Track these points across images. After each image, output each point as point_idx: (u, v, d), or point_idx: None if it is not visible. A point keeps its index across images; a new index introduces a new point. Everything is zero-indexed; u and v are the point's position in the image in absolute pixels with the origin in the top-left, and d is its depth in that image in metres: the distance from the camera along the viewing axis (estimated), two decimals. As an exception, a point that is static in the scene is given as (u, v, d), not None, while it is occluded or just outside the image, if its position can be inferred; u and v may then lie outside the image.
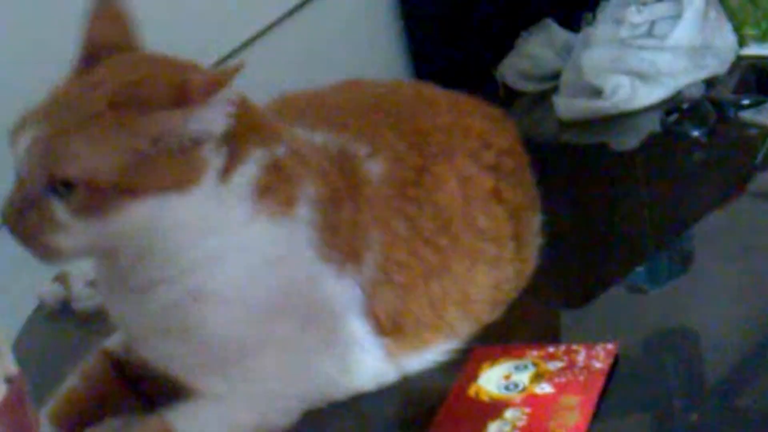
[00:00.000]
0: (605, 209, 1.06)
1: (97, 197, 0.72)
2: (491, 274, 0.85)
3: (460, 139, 0.86)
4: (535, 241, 0.91)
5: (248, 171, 0.75)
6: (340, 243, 0.79)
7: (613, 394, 0.78)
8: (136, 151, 0.71)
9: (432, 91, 0.93)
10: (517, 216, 0.88)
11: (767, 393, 0.75)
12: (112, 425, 0.79)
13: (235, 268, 0.75)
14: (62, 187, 0.72)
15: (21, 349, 0.95)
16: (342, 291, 0.79)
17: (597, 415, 0.75)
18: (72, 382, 0.82)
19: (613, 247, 0.98)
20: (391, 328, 0.80)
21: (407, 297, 0.81)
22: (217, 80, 0.71)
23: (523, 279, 0.89)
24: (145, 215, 0.72)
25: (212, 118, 0.72)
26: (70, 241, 0.73)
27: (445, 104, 0.89)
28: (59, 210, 0.72)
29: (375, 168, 0.81)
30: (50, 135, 0.72)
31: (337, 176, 0.79)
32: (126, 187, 0.72)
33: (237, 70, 0.71)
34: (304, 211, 0.78)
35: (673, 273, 0.94)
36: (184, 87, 0.71)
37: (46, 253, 0.74)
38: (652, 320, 0.87)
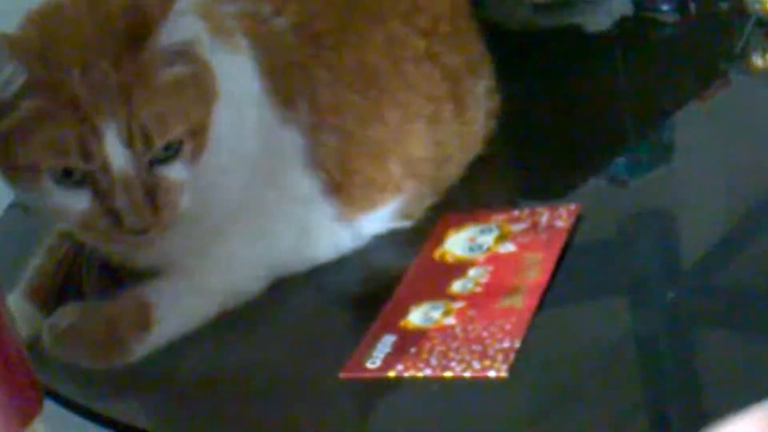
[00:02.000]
0: (581, 92, 1.06)
1: (198, 139, 0.73)
2: (430, 130, 0.87)
3: (390, 3, 0.88)
4: (479, 105, 0.92)
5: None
6: (275, 85, 0.80)
7: (582, 257, 0.79)
8: (177, 79, 0.71)
9: None
10: (455, 78, 0.89)
11: (743, 272, 0.76)
12: (85, 302, 0.80)
13: (224, 120, 0.76)
14: (166, 151, 0.72)
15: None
16: (289, 140, 0.81)
17: (560, 271, 0.77)
18: (39, 259, 0.83)
19: (591, 134, 0.98)
20: (338, 180, 0.82)
21: (347, 143, 0.82)
22: None
23: (471, 141, 0.91)
24: (216, 130, 0.74)
25: (179, 29, 0.72)
26: (188, 198, 0.74)
27: None
28: (176, 172, 0.72)
29: (281, 22, 0.83)
30: (127, 118, 0.69)
31: (246, 26, 0.81)
32: (204, 115, 0.73)
33: None
34: (243, 43, 0.79)
35: (654, 162, 0.94)
36: (138, 11, 0.71)
37: (176, 220, 0.73)
38: (631, 205, 0.88)
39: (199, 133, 0.73)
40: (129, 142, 0.70)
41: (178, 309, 0.78)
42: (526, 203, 0.87)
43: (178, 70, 0.73)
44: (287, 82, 0.81)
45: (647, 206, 0.88)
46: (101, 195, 0.71)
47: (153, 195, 0.72)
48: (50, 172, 0.71)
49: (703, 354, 0.71)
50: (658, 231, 0.86)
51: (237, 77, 0.78)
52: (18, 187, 0.74)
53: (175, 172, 0.73)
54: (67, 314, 0.78)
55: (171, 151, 0.72)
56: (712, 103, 0.98)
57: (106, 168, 0.70)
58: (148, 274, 0.80)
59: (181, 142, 0.73)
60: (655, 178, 0.91)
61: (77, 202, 0.72)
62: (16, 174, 0.73)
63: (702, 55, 1.06)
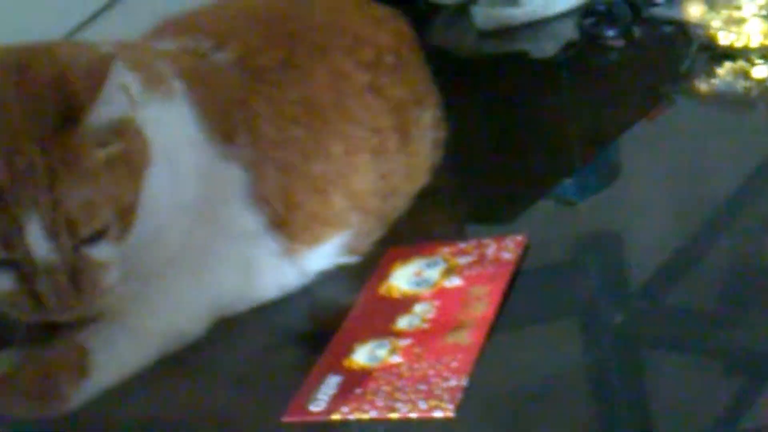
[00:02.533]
0: (529, 117, 1.06)
1: (127, 217, 0.71)
2: (375, 163, 0.86)
3: (334, 37, 0.88)
4: (425, 136, 0.92)
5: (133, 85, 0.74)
6: (214, 122, 0.79)
7: (529, 288, 0.78)
8: (108, 159, 0.70)
9: None
10: (401, 110, 0.89)
11: (692, 293, 0.76)
12: (20, 349, 0.77)
13: (158, 176, 0.74)
14: (95, 233, 0.70)
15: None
16: (230, 176, 0.79)
17: (507, 303, 0.76)
18: None
19: (539, 158, 0.98)
20: (282, 214, 0.81)
21: (290, 177, 0.81)
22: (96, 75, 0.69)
23: (417, 172, 0.91)
24: (144, 203, 0.72)
25: (110, 109, 0.70)
26: (116, 271, 0.72)
27: (325, 5, 0.92)
28: (103, 252, 0.71)
29: (222, 57, 0.82)
30: (51, 209, 0.67)
31: (184, 64, 0.80)
32: (135, 191, 0.71)
33: (114, 54, 0.70)
34: (177, 85, 0.78)
35: (601, 184, 0.94)
36: (67, 91, 0.68)
37: (104, 298, 0.72)
38: (579, 228, 0.88)
39: (128, 211, 0.72)
40: (53, 234, 0.68)
41: (116, 354, 0.76)
42: (475, 232, 0.87)
43: (110, 149, 0.71)
44: (227, 118, 0.80)
45: (595, 228, 0.89)
46: (24, 279, 0.69)
47: (77, 277, 0.70)
48: None
49: (653, 377, 0.71)
50: (606, 253, 0.86)
51: (171, 125, 0.76)
52: None
53: (101, 252, 0.71)
54: (1, 363, 0.75)
55: (96, 233, 0.70)
56: (658, 125, 0.98)
57: (27, 258, 0.69)
58: (85, 319, 0.77)
59: (107, 224, 0.70)
60: (602, 199, 0.92)
61: (1, 283, 0.70)
62: None
63: (647, 78, 1.07)
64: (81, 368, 0.74)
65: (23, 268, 0.69)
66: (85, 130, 0.69)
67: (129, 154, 0.71)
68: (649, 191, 0.88)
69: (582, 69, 1.12)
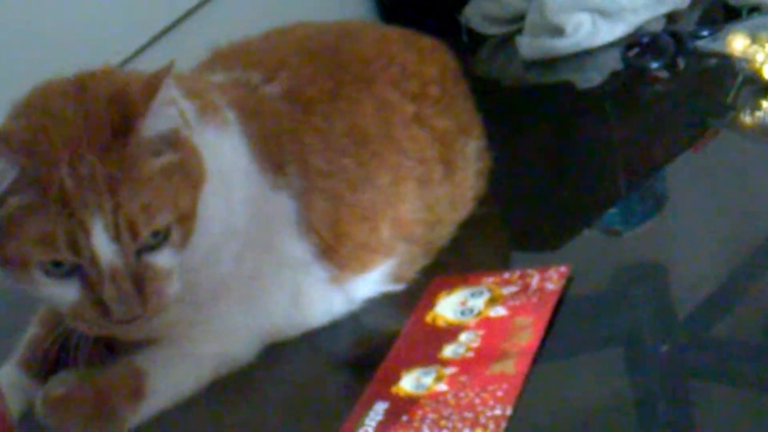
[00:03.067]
0: (574, 147, 1.07)
1: (186, 224, 0.74)
2: (421, 193, 0.88)
3: (380, 68, 0.90)
4: (470, 166, 0.94)
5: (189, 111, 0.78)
6: (265, 152, 0.81)
7: (573, 317, 0.79)
8: (164, 168, 0.73)
9: (368, 27, 0.97)
10: (445, 140, 0.91)
11: (738, 324, 0.76)
12: (79, 371, 0.80)
13: (214, 197, 0.77)
14: (153, 239, 0.72)
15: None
16: (280, 206, 0.82)
17: (551, 333, 0.77)
18: (33, 329, 0.84)
19: (583, 188, 0.99)
20: (330, 243, 0.83)
21: (338, 206, 0.83)
22: (148, 90, 0.72)
23: (461, 202, 0.92)
24: (200, 220, 0.75)
25: (160, 122, 0.73)
26: (178, 281, 0.74)
27: (372, 37, 0.93)
28: (164, 259, 0.73)
29: (272, 90, 0.85)
30: (113, 211, 0.70)
31: (236, 96, 0.82)
32: (192, 200, 0.74)
33: (167, 71, 0.72)
34: (230, 115, 0.81)
35: (647, 214, 0.95)
36: (122, 105, 0.72)
37: (166, 308, 0.74)
38: (624, 258, 0.88)
39: (186, 218, 0.74)
40: (116, 236, 0.71)
41: (171, 377, 0.79)
42: (519, 261, 0.88)
43: (165, 158, 0.73)
44: (277, 149, 0.82)
45: (640, 258, 0.89)
46: (90, 286, 0.72)
47: (141, 284, 0.72)
48: (40, 265, 0.72)
49: (699, 408, 0.71)
50: (651, 283, 0.86)
51: (225, 153, 0.79)
52: (9, 278, 0.74)
53: (163, 259, 0.73)
54: (61, 383, 0.78)
55: (159, 239, 0.73)
56: (703, 157, 0.99)
57: (94, 261, 0.71)
58: (142, 343, 0.80)
59: (168, 229, 0.73)
60: (648, 229, 0.92)
61: (67, 293, 0.73)
62: (6, 266, 0.73)
63: (691, 110, 1.07)
64: (137, 391, 0.77)
65: (89, 276, 0.72)
66: (139, 140, 0.72)
67: (184, 165, 0.74)
68: (695, 222, 0.89)
69: (626, 99, 1.13)
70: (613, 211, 0.94)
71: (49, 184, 0.70)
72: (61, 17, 1.16)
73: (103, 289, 0.71)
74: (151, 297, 0.72)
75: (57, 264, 0.71)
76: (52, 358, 0.81)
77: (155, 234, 0.72)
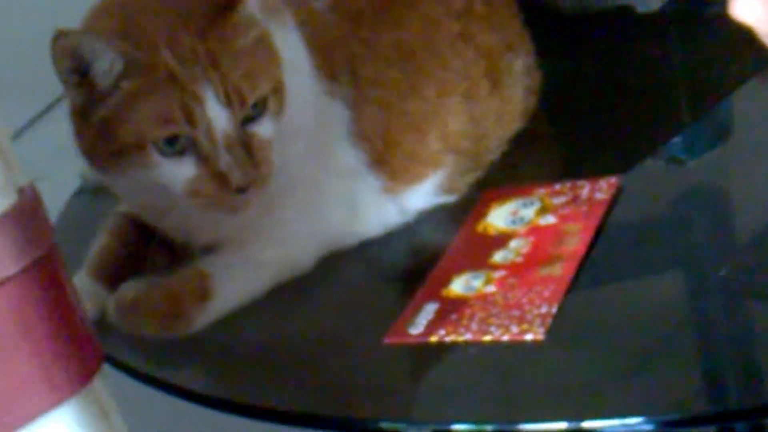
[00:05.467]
0: (633, 72, 1.06)
1: (279, 95, 0.79)
2: (466, 106, 0.89)
3: None
4: (517, 82, 0.94)
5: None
6: (320, 60, 0.84)
7: (627, 233, 0.81)
8: (253, 42, 0.77)
9: None
10: (490, 57, 0.92)
11: None
12: (147, 277, 0.84)
13: (288, 95, 0.81)
14: (255, 109, 0.77)
15: (65, 222, 1.01)
16: (335, 113, 0.84)
17: (601, 242, 0.78)
18: (102, 239, 0.88)
19: (643, 115, 0.98)
20: (381, 152, 0.85)
21: (388, 115, 0.86)
22: None
23: (508, 118, 0.93)
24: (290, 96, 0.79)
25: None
26: (276, 155, 0.79)
27: None
28: (264, 128, 0.78)
29: (320, 2, 0.87)
30: (221, 81, 0.75)
31: (288, 5, 0.85)
32: (280, 73, 0.78)
33: None
34: (289, 20, 0.84)
35: (711, 143, 0.95)
36: None
37: (273, 175, 0.78)
38: (685, 184, 0.89)
39: (279, 90, 0.79)
40: (227, 103, 0.76)
41: (235, 281, 0.82)
42: (571, 179, 0.88)
43: (255, 32, 0.78)
44: (330, 58, 0.85)
45: (701, 186, 0.89)
46: (205, 159, 0.76)
47: (250, 152, 0.77)
48: (155, 146, 0.76)
49: (758, 329, 0.72)
50: (711, 209, 0.87)
51: (291, 50, 0.82)
52: (119, 170, 0.78)
53: (263, 128, 0.78)
54: (131, 288, 0.82)
55: (258, 109, 0.78)
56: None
57: (209, 130, 0.76)
58: (207, 250, 0.84)
59: (265, 99, 0.78)
60: (711, 158, 0.91)
61: (184, 170, 0.77)
62: (118, 157, 0.77)
63: (755, 35, 1.05)
64: (204, 292, 0.81)
65: (204, 148, 0.76)
66: (239, 16, 0.77)
67: (265, 41, 0.79)
68: (760, 152, 0.87)
69: (688, 24, 1.11)
70: (676, 139, 0.94)
71: (156, 67, 0.75)
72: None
73: (219, 158, 0.76)
74: (260, 164, 0.77)
75: (171, 142, 0.76)
76: (121, 267, 0.86)
77: (255, 104, 0.77)
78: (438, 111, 0.88)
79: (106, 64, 0.75)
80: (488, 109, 0.91)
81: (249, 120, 0.77)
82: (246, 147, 0.76)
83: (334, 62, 0.85)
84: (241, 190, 0.77)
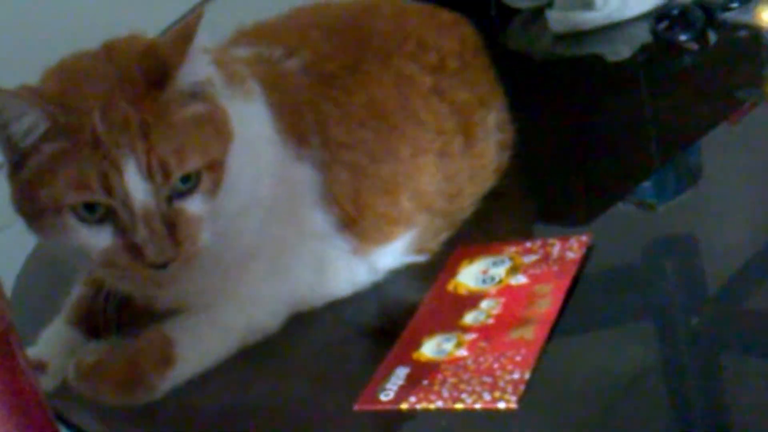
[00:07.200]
0: (604, 120, 1.06)
1: (215, 173, 0.76)
2: (440, 165, 0.89)
3: (399, 42, 0.91)
4: (490, 138, 0.94)
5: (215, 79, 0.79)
6: (289, 124, 0.83)
7: (599, 288, 0.80)
8: (194, 117, 0.75)
9: (387, 2, 0.97)
10: (464, 112, 0.91)
11: None
12: (113, 339, 0.82)
13: (241, 166, 0.78)
14: (185, 185, 0.75)
15: (32, 267, 1.00)
16: (304, 176, 0.83)
17: (573, 302, 0.77)
18: (81, 287, 0.86)
19: (614, 162, 0.98)
20: (352, 214, 0.84)
21: (359, 178, 0.85)
22: (182, 34, 0.74)
23: (482, 174, 0.93)
24: (231, 169, 0.77)
25: (195, 70, 0.75)
26: (207, 233, 0.76)
27: (391, 12, 0.94)
28: (195, 205, 0.75)
29: (292, 64, 0.86)
30: (146, 152, 0.73)
31: (258, 69, 0.84)
32: (220, 151, 0.76)
33: (198, 18, 0.74)
34: (256, 88, 0.82)
35: (681, 187, 0.95)
36: (156, 56, 0.74)
37: (198, 257, 0.76)
38: (655, 231, 0.88)
39: (216, 167, 0.76)
40: (148, 175, 0.73)
41: (199, 345, 0.80)
42: (544, 235, 0.87)
43: (194, 108, 0.76)
44: (300, 121, 0.84)
45: (672, 231, 0.88)
46: (122, 230, 0.74)
47: (173, 228, 0.74)
48: (73, 211, 0.74)
49: (730, 382, 0.71)
50: (682, 257, 0.86)
51: (251, 122, 0.80)
52: (42, 231, 0.77)
53: (194, 205, 0.75)
54: (92, 352, 0.80)
55: (190, 185, 0.75)
56: (738, 129, 0.98)
57: (127, 201, 0.73)
58: (170, 314, 0.82)
59: (199, 176, 0.75)
60: (681, 202, 0.91)
61: (100, 239, 0.75)
62: (40, 218, 0.75)
63: (722, 82, 1.06)
64: (166, 358, 0.79)
65: (123, 219, 0.74)
66: (175, 88, 0.75)
67: (214, 117, 0.76)
68: (728, 196, 0.88)
69: (657, 73, 1.13)
70: (646, 184, 0.94)
71: (81, 130, 0.73)
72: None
73: (136, 231, 0.73)
74: (183, 241, 0.74)
75: (90, 209, 0.74)
76: (100, 317, 0.83)
77: (186, 179, 0.74)
78: (412, 171, 0.87)
79: (25, 125, 0.73)
80: (462, 167, 0.90)
81: (178, 195, 0.75)
82: (169, 223, 0.74)
83: (304, 125, 0.84)
84: (157, 266, 0.74)
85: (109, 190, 0.73)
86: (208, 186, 0.76)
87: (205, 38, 0.75)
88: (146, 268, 0.74)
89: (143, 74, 0.74)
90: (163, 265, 0.74)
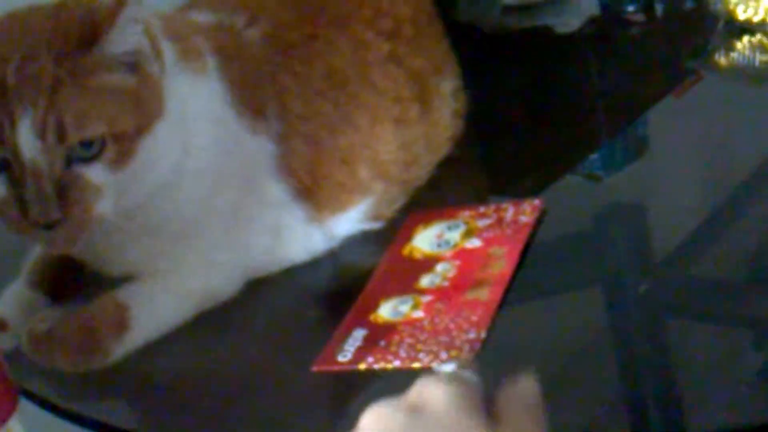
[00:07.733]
0: (553, 91, 1.07)
1: (122, 145, 0.74)
2: (397, 133, 0.89)
3: (355, 8, 0.90)
4: (445, 106, 0.94)
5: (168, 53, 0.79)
6: (245, 97, 0.82)
7: (550, 253, 0.81)
8: (113, 86, 0.73)
9: None
10: (420, 80, 0.92)
11: (718, 263, 0.77)
12: (62, 307, 0.82)
13: (167, 143, 0.77)
14: (86, 150, 0.73)
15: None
16: (258, 149, 0.83)
17: (526, 264, 0.79)
18: (39, 249, 0.86)
19: (563, 133, 0.99)
20: (308, 185, 0.84)
21: (318, 150, 0.85)
22: (115, 7, 0.73)
23: (437, 142, 0.93)
24: (154, 146, 0.75)
25: (125, 38, 0.74)
26: (108, 203, 0.74)
27: None
28: (94, 173, 0.73)
29: (252, 33, 0.85)
30: (45, 109, 0.71)
31: (218, 40, 0.83)
32: (139, 124, 0.74)
33: None
34: (211, 61, 0.82)
35: (628, 158, 0.96)
36: (92, 18, 0.73)
37: (92, 225, 0.74)
38: (604, 201, 0.90)
39: (125, 139, 0.74)
40: (41, 133, 0.72)
41: (154, 311, 0.80)
42: (496, 202, 0.89)
43: (119, 77, 0.74)
44: (257, 93, 0.83)
45: (620, 201, 0.90)
46: (14, 183, 0.73)
47: (65, 191, 0.73)
48: None
49: (677, 346, 0.72)
50: (630, 225, 0.88)
51: (195, 99, 0.80)
52: None
53: (93, 173, 0.73)
54: (45, 320, 0.80)
55: (92, 152, 0.73)
56: (684, 100, 1.00)
57: (16, 154, 0.72)
58: (124, 280, 0.82)
59: (103, 144, 0.73)
60: (628, 173, 0.93)
61: None
62: None
63: (669, 53, 1.08)
64: (121, 324, 0.78)
65: (14, 172, 0.72)
66: (103, 53, 0.73)
67: (138, 93, 0.75)
68: (675, 166, 0.89)
69: (605, 44, 1.14)
70: (593, 156, 0.95)
71: None
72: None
73: (25, 187, 0.72)
74: (73, 207, 0.73)
75: None
76: (63, 275, 0.83)
77: (86, 145, 0.73)
78: (369, 140, 0.87)
79: None
80: (418, 134, 0.91)
81: (78, 159, 0.73)
82: (61, 185, 0.72)
83: (262, 98, 0.83)
84: (42, 226, 0.73)
85: (2, 141, 0.72)
86: (113, 156, 0.74)
87: (143, 10, 0.74)
88: (31, 226, 0.73)
89: (76, 34, 0.73)
90: (48, 226, 0.73)
